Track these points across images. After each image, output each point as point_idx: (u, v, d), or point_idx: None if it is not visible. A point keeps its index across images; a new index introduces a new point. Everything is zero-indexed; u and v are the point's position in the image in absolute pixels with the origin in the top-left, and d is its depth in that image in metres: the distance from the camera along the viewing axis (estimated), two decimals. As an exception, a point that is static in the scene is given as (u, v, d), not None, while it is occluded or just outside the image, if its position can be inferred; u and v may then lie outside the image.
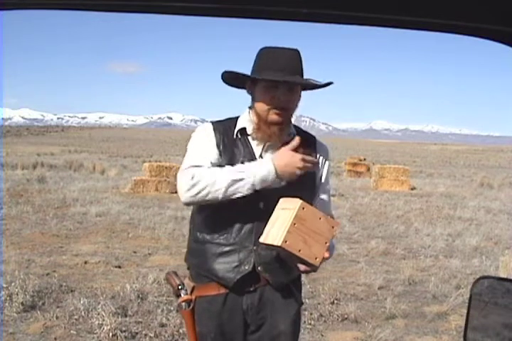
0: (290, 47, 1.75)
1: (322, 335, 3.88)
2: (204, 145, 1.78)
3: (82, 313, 4.00)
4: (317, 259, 1.60)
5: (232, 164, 1.72)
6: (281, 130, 1.75)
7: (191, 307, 1.81)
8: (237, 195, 1.66)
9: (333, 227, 1.64)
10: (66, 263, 5.63)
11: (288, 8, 0.74)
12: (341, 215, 9.31)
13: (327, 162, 1.92)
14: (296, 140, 1.69)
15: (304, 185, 1.78)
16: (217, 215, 1.76)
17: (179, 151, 37.84)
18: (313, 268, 1.65)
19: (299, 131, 1.87)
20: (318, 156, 1.87)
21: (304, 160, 1.65)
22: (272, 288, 1.80)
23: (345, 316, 4.21)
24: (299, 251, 1.57)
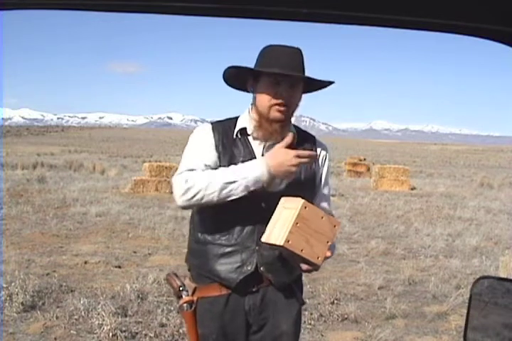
0: (292, 46, 1.74)
1: (322, 335, 3.88)
2: (201, 147, 1.76)
3: (82, 313, 4.00)
4: (319, 259, 1.60)
5: (232, 164, 1.71)
6: (282, 127, 1.75)
7: (193, 308, 1.80)
8: (232, 197, 1.65)
9: (334, 226, 1.63)
10: (66, 263, 5.63)
11: (288, 8, 0.74)
12: (341, 215, 9.31)
13: (327, 161, 1.92)
14: (290, 136, 1.67)
15: (304, 185, 1.78)
16: (218, 216, 1.75)
17: (179, 151, 37.83)
18: (315, 267, 1.64)
19: (299, 131, 1.86)
20: (318, 156, 1.86)
21: (298, 156, 1.63)
22: (274, 288, 1.79)
23: (345, 316, 4.21)
24: (302, 250, 1.56)
